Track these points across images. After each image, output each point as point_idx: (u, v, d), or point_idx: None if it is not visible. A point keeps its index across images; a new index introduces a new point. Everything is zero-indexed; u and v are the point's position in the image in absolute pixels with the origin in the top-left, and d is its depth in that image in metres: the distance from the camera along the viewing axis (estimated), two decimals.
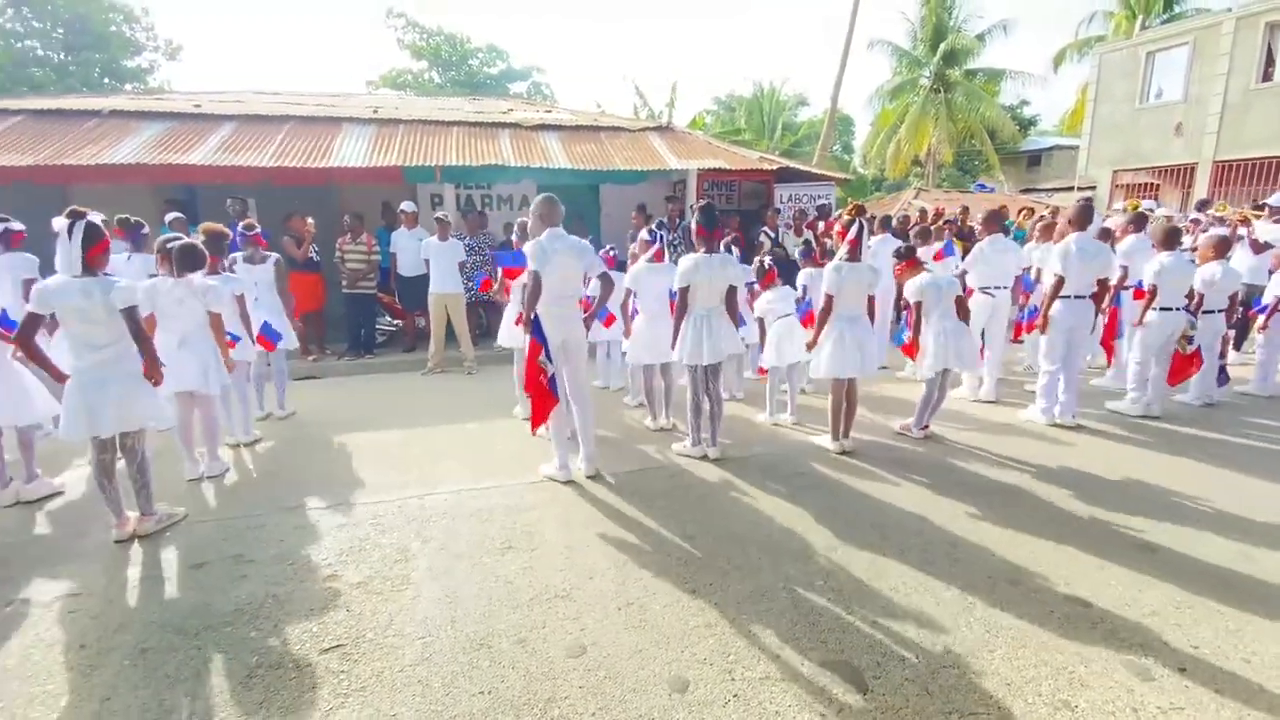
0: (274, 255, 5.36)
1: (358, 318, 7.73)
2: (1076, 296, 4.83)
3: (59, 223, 3.15)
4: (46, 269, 3.48)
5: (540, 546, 3.20)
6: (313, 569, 3.01)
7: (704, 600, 2.73)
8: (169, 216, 5.71)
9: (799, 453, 4.51)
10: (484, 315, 8.26)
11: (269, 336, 4.83)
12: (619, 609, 2.68)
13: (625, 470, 4.19)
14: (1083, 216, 4.93)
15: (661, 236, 5.07)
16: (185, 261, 3.90)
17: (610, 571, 2.97)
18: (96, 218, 3.18)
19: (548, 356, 3.64)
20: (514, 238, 5.17)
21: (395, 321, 8.41)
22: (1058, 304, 4.85)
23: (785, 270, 5.60)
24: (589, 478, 4.02)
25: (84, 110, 8.47)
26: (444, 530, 3.38)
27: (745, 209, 10.21)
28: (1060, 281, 4.81)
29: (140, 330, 3.21)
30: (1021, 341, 6.55)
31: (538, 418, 3.74)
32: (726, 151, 9.78)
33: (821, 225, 8.71)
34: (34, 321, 3.14)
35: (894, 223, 7.90)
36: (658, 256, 4.89)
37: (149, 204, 7.56)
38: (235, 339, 4.30)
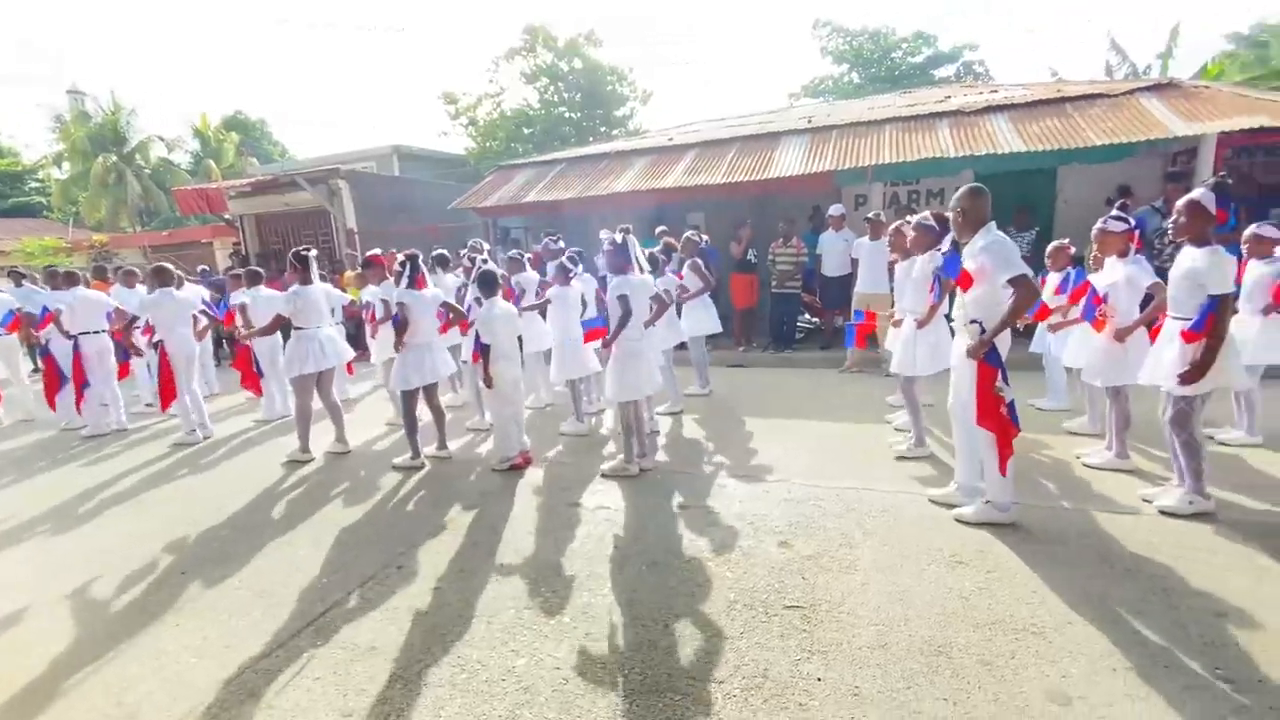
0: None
1: (782, 315, 8.37)
2: None
3: (604, 234, 4.32)
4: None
5: (997, 570, 2.93)
6: (768, 532, 3.41)
7: (1250, 700, 2.08)
8: (657, 229, 7.18)
9: None
10: None
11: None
12: (1114, 670, 2.25)
13: (1094, 516, 3.49)
14: None
15: (1143, 222, 4.03)
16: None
17: (1096, 622, 2.51)
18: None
19: (1004, 380, 3.13)
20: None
21: (814, 320, 8.80)
22: None
23: None
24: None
25: (598, 154, 11.28)
26: (885, 526, 3.41)
27: None
28: None
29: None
30: None
31: (1006, 452, 3.18)
32: (1273, 104, 7.03)
33: None
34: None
35: None
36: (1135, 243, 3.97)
37: (639, 220, 9.62)
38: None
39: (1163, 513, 3.35)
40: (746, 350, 8.38)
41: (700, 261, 6.20)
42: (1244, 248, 4.39)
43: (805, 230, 8.57)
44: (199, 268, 10.80)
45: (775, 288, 8.25)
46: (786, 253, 8.11)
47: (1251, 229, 4.39)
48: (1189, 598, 2.64)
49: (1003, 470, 3.22)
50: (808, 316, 8.87)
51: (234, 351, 7.40)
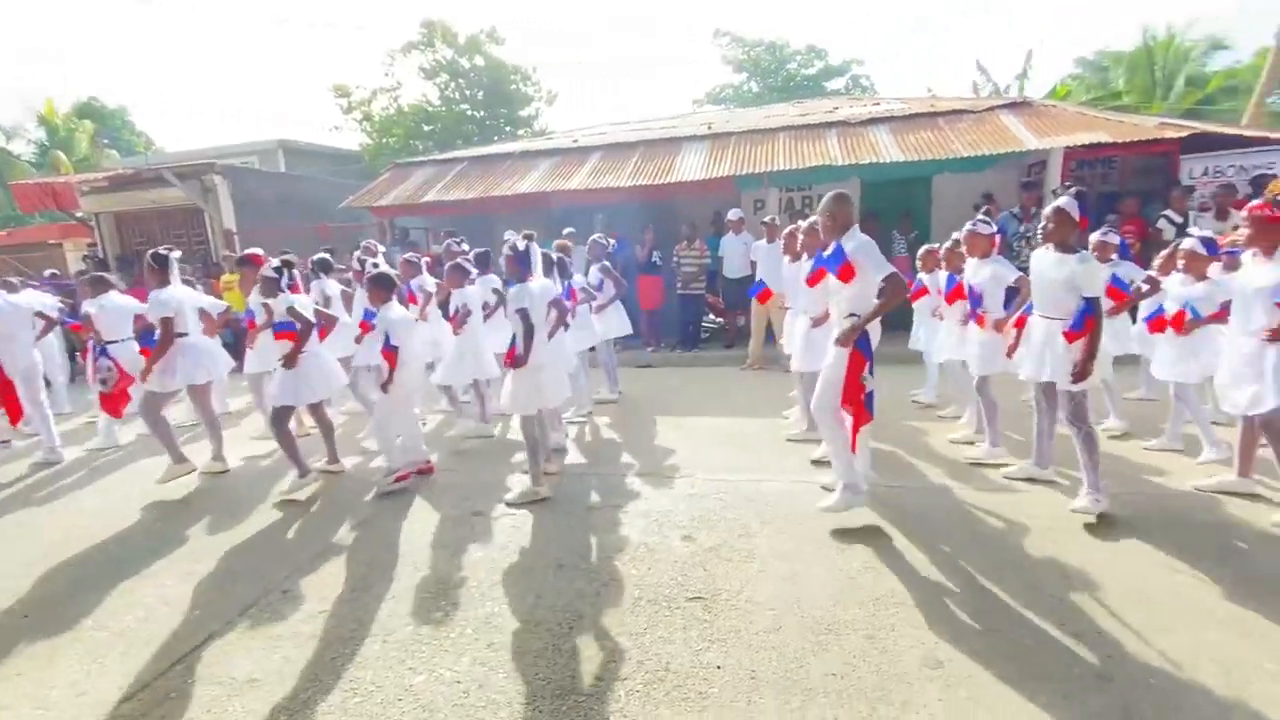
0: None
1: (688, 316, 8.58)
2: None
3: (509, 235, 4.23)
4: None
5: (880, 550, 3.14)
6: (672, 527, 3.48)
7: (1091, 648, 2.36)
8: (565, 231, 7.12)
9: (1205, 508, 3.52)
10: None
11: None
12: (979, 633, 2.48)
13: (959, 495, 3.83)
14: None
15: (1004, 226, 4.45)
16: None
17: (963, 591, 2.76)
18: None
19: (870, 371, 3.34)
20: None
21: (718, 320, 9.07)
22: None
23: None
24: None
25: (502, 154, 11.07)
26: (781, 515, 3.56)
27: (1131, 190, 8.27)
28: None
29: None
30: None
31: (855, 436, 3.40)
32: (1108, 122, 8.01)
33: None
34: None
35: None
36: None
37: (543, 222, 9.53)
38: None
39: (1073, 511, 3.41)
40: (654, 351, 8.51)
41: (609, 265, 6.23)
42: (1092, 253, 4.93)
43: (708, 234, 8.82)
44: (47, 271, 9.59)
45: (680, 289, 8.44)
46: (690, 255, 8.32)
47: (1096, 235, 4.93)
48: (1040, 565, 2.95)
49: (853, 448, 3.41)
50: (712, 317, 9.13)
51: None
